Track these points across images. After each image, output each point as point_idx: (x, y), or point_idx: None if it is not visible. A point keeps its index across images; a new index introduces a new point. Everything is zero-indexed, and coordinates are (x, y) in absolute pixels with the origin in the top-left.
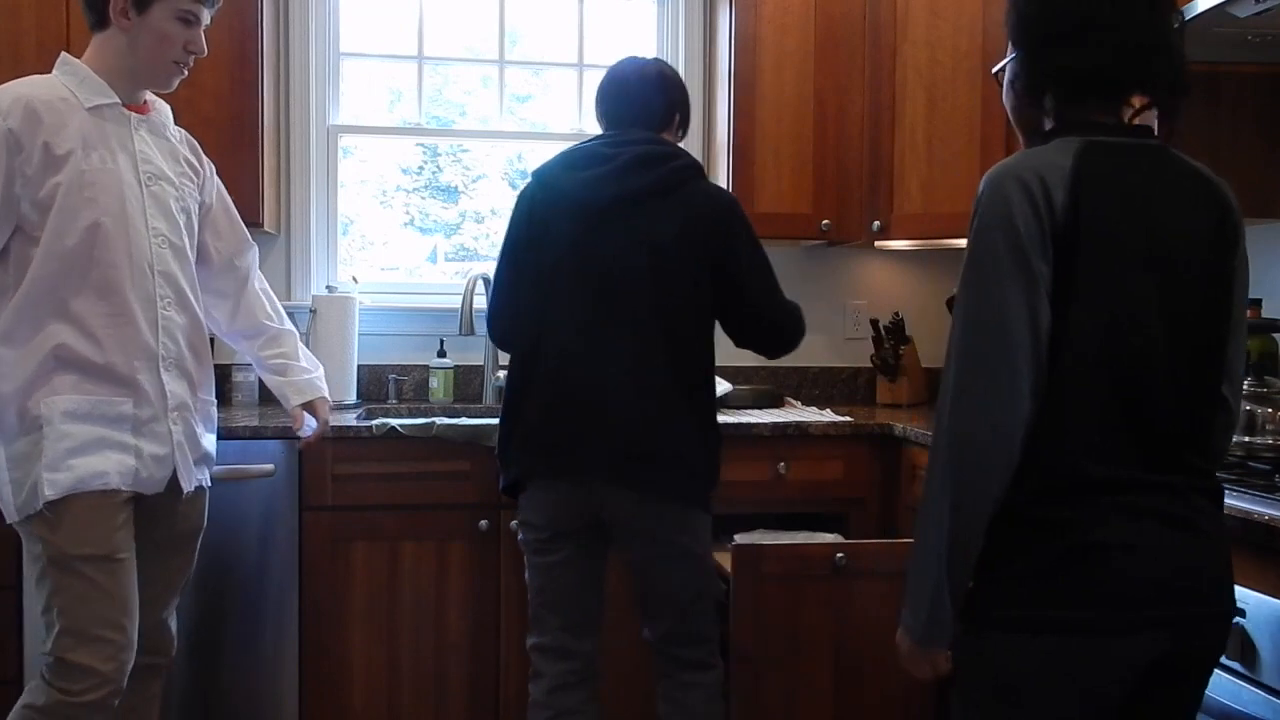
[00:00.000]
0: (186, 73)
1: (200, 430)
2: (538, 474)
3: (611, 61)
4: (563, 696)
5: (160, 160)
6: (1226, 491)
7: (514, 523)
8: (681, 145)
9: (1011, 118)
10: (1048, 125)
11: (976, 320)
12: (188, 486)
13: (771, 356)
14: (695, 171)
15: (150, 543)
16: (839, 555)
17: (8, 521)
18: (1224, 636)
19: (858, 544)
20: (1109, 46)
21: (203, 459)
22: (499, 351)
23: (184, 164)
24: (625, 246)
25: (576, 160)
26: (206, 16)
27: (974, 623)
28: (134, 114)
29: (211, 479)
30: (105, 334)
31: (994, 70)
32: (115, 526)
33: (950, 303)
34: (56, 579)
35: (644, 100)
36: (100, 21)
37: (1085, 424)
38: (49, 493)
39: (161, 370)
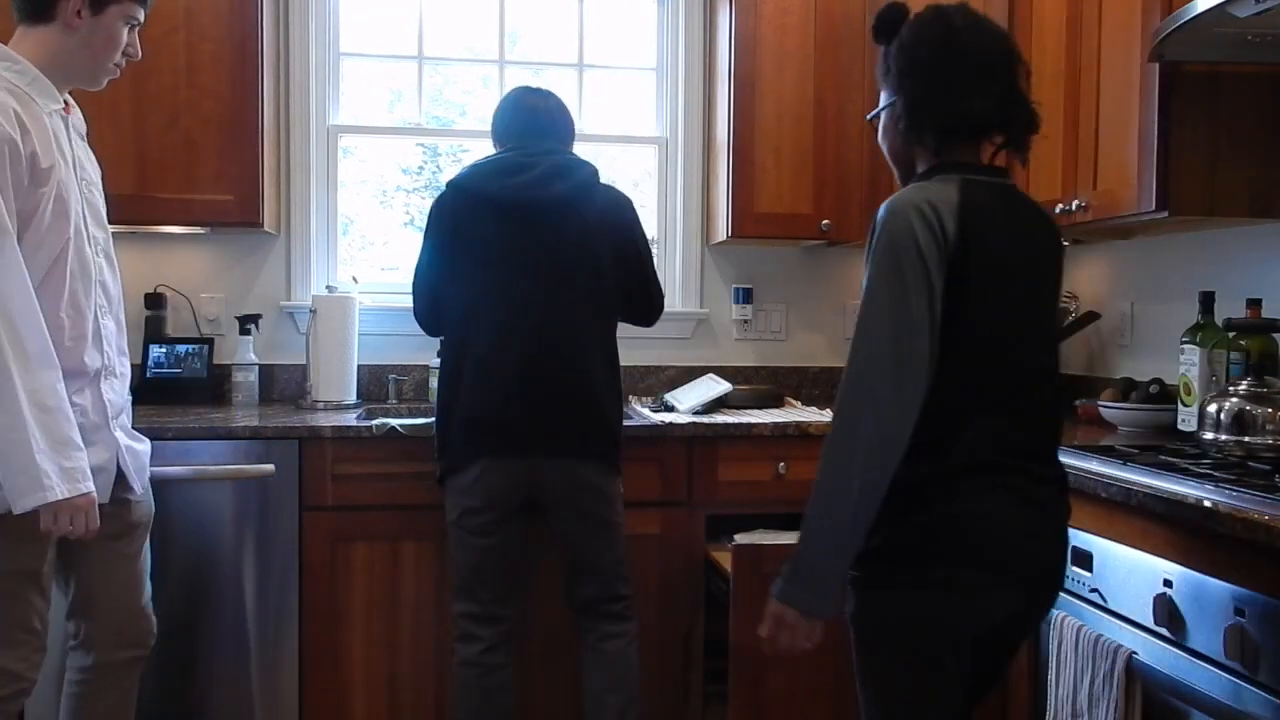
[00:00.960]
0: (119, 74)
1: (133, 431)
2: (486, 455)
3: (611, 61)
4: (492, 655)
5: (89, 166)
6: (1226, 491)
7: (450, 503)
8: (678, 144)
9: (888, 156)
10: (925, 163)
11: (895, 323)
12: (138, 489)
13: (648, 325)
14: (597, 176)
15: (104, 539)
16: None
17: None
18: (1052, 604)
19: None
20: (982, 98)
21: (144, 456)
22: None
23: (99, 167)
24: (558, 242)
25: (496, 169)
26: (143, 18)
27: (869, 585)
28: (66, 116)
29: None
30: (68, 347)
31: (869, 116)
32: (51, 542)
33: None
34: None
35: (553, 119)
36: (42, 16)
37: (969, 416)
38: None
39: (102, 380)
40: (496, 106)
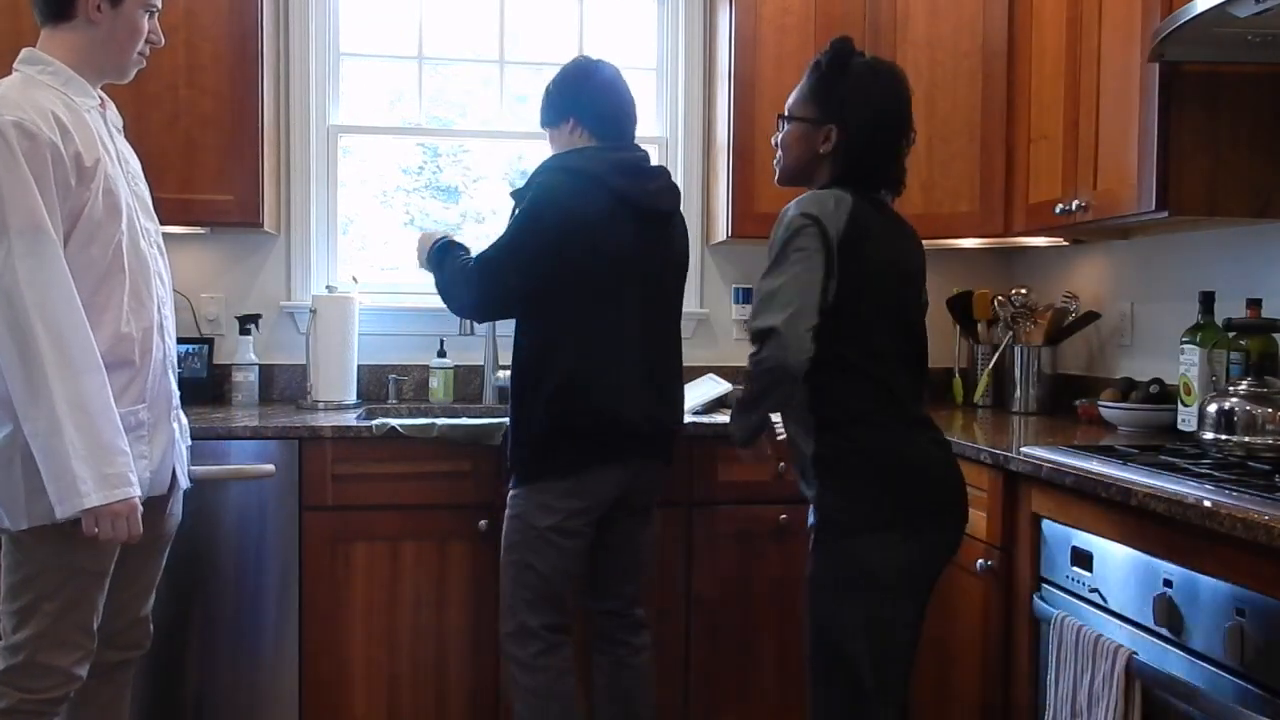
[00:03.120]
0: (145, 63)
1: (184, 426)
2: (602, 460)
3: (611, 61)
4: (570, 657)
5: (132, 159)
6: (1226, 491)
7: (549, 507)
8: (678, 144)
9: (790, 160)
10: (825, 178)
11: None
12: (185, 483)
13: None
14: None
15: (138, 545)
16: (782, 516)
17: (7, 527)
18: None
19: (798, 507)
20: (900, 163)
21: (186, 454)
22: (498, 351)
23: (138, 160)
24: (669, 254)
25: (629, 168)
26: (160, 3)
27: (842, 530)
28: (104, 111)
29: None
30: (138, 339)
31: (786, 115)
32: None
33: (950, 303)
34: (53, 586)
35: (634, 113)
36: (62, 14)
37: (887, 373)
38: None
39: (166, 370)
40: (582, 78)
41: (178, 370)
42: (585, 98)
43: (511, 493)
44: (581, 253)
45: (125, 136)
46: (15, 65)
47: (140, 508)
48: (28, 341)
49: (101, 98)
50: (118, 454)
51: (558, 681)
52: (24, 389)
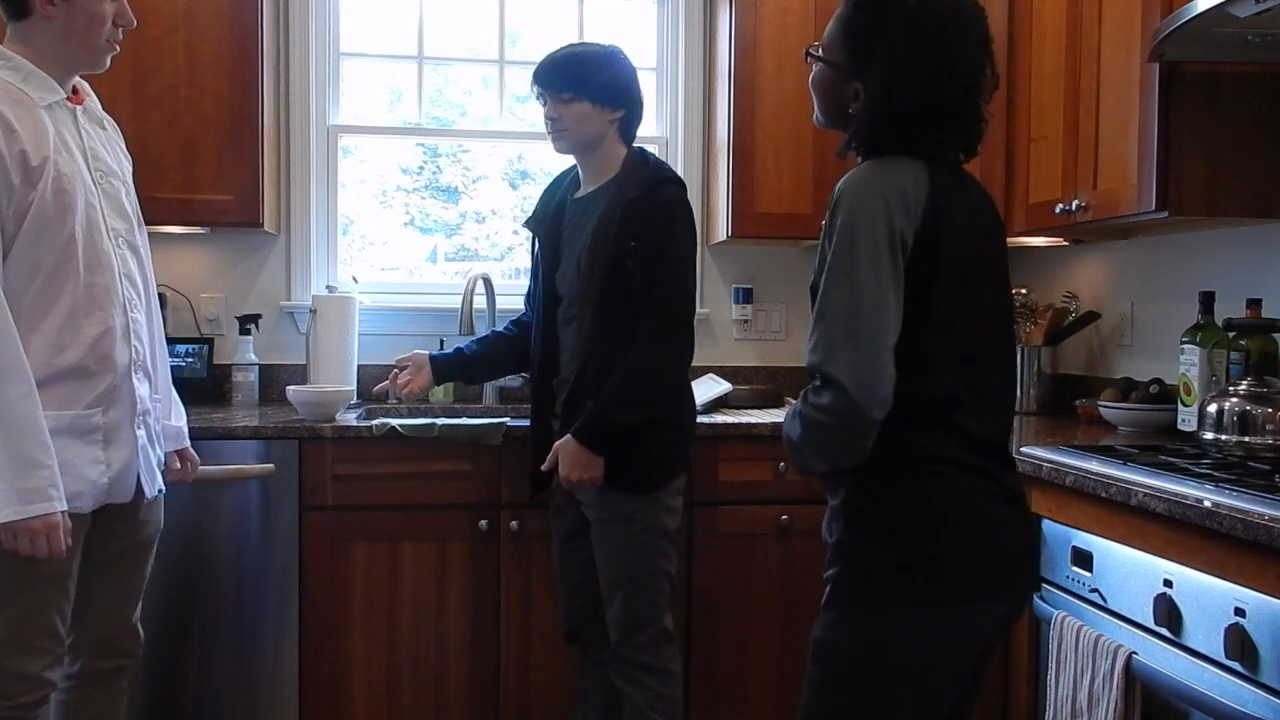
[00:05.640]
0: (119, 48)
1: (157, 432)
2: (688, 461)
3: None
4: None
5: (106, 155)
6: (1226, 491)
7: (670, 508)
8: (678, 144)
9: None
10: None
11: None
12: (150, 492)
13: None
14: None
15: (114, 552)
16: (783, 517)
17: None
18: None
19: (799, 508)
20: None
21: (159, 462)
22: None
23: (123, 155)
24: None
25: None
26: None
27: (866, 604)
28: (75, 106)
29: (166, 484)
30: (86, 344)
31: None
32: (77, 544)
33: None
34: (11, 592)
35: None
36: (20, 11)
37: (953, 406)
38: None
39: (132, 374)
40: (635, 78)
41: (160, 371)
42: (639, 98)
43: (629, 505)
44: None
45: (118, 133)
46: None
47: (64, 523)
48: None
49: (76, 90)
50: (37, 468)
51: (680, 684)
52: None
